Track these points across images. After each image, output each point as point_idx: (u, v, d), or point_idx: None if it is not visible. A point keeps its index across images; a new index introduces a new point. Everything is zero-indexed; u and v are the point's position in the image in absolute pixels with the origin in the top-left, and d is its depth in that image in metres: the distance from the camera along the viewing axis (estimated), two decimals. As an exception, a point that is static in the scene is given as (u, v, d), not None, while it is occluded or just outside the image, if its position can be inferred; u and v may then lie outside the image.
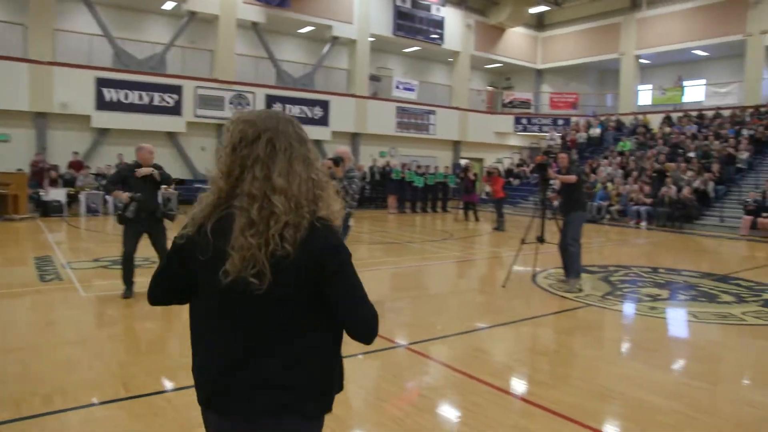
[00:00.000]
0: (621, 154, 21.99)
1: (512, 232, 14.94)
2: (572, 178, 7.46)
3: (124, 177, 6.51)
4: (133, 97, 19.25)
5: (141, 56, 20.02)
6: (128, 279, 6.46)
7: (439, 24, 26.17)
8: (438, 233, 14.57)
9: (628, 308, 6.75)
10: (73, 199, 16.12)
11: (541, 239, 7.75)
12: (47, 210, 15.12)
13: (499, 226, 14.99)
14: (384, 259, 10.09)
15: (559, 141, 26.24)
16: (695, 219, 16.87)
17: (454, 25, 26.74)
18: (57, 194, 15.55)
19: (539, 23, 30.26)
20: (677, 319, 6.32)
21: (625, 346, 5.44)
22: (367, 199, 22.50)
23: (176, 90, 20.01)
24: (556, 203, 8.34)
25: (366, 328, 1.56)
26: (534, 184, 23.82)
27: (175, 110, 20.04)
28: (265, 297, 1.48)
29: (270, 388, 1.52)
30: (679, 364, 4.97)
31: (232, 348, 1.54)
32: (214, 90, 20.71)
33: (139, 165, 6.55)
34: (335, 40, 23.70)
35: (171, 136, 20.42)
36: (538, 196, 8.30)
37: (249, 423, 1.54)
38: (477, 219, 17.55)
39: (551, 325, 6.01)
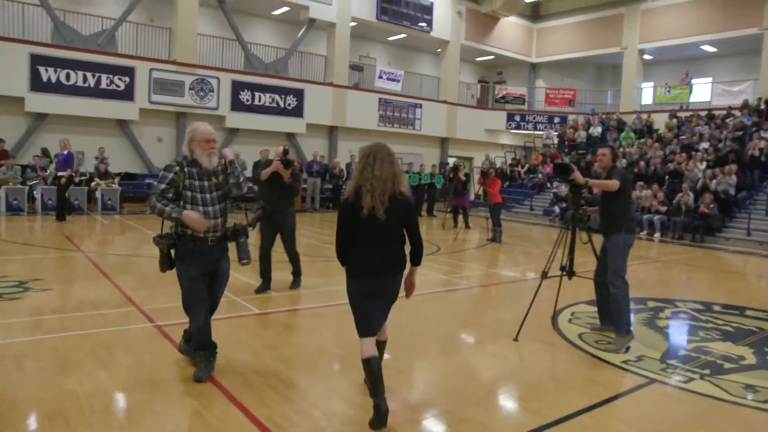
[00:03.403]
0: (624, 156, 19.87)
1: (509, 244, 12.73)
2: (613, 183, 5.21)
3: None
4: (76, 78, 16.71)
5: (87, 32, 17.51)
6: (265, 274, 6.85)
7: (427, 10, 23.87)
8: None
9: (715, 389, 4.37)
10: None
11: (569, 271, 5.51)
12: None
13: (495, 237, 12.75)
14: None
15: (555, 140, 24.12)
16: (717, 231, 14.76)
17: (444, 11, 24.46)
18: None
19: (535, 13, 28.11)
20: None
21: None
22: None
23: (128, 72, 17.50)
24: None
25: (421, 248, 3.68)
26: (530, 187, 21.68)
27: (127, 95, 17.53)
28: (385, 224, 3.45)
29: (398, 264, 3.60)
30: None
31: (380, 249, 3.53)
32: (172, 73, 18.22)
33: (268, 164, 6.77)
34: (312, 22, 21.31)
35: (122, 125, 17.93)
36: (566, 208, 6.03)
37: (392, 278, 3.59)
38: (467, 226, 15.31)
39: None
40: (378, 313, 3.61)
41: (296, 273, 7.10)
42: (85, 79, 16.84)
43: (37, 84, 16.19)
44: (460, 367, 4.63)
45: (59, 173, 13.11)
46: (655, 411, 3.95)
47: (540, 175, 21.71)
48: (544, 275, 5.48)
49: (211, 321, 4.16)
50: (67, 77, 16.60)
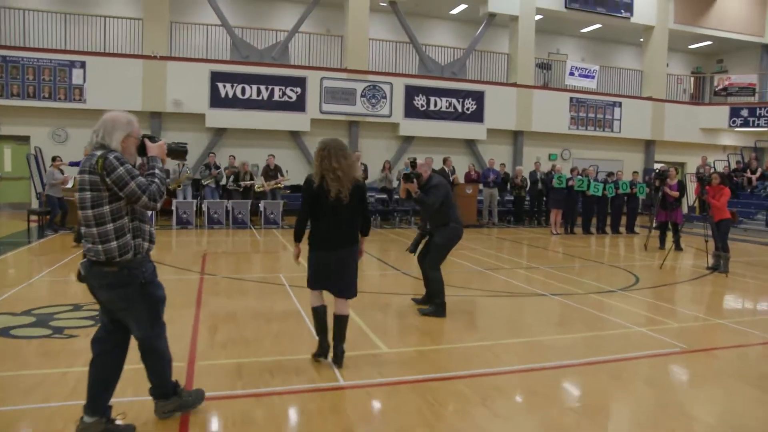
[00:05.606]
0: None
1: (738, 275, 9.58)
2: None
3: None
4: (251, 91, 16.82)
5: (262, 46, 17.62)
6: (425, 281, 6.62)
7: (626, -8, 20.67)
8: (616, 276, 9.49)
9: None
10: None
11: None
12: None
13: (720, 266, 9.67)
14: (504, 341, 5.79)
15: (798, 138, 19.31)
16: None
17: (647, -8, 21.03)
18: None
19: (769, -17, 23.15)
20: None
21: None
22: (526, 214, 17.94)
23: (299, 82, 17.26)
24: None
25: (370, 222, 4.70)
26: (765, 197, 17.43)
27: (298, 106, 17.31)
28: (346, 206, 4.29)
29: (351, 239, 4.43)
30: None
31: (335, 227, 4.34)
32: (343, 81, 17.62)
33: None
34: (492, 18, 19.48)
35: (294, 136, 17.73)
36: None
37: (342, 251, 4.38)
38: (678, 248, 12.25)
39: None
40: (335, 277, 4.39)
41: (429, 296, 6.31)
42: (258, 92, 16.91)
43: (216, 100, 16.55)
44: None
45: None
46: None
47: (779, 182, 17.37)
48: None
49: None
50: (242, 91, 16.77)
